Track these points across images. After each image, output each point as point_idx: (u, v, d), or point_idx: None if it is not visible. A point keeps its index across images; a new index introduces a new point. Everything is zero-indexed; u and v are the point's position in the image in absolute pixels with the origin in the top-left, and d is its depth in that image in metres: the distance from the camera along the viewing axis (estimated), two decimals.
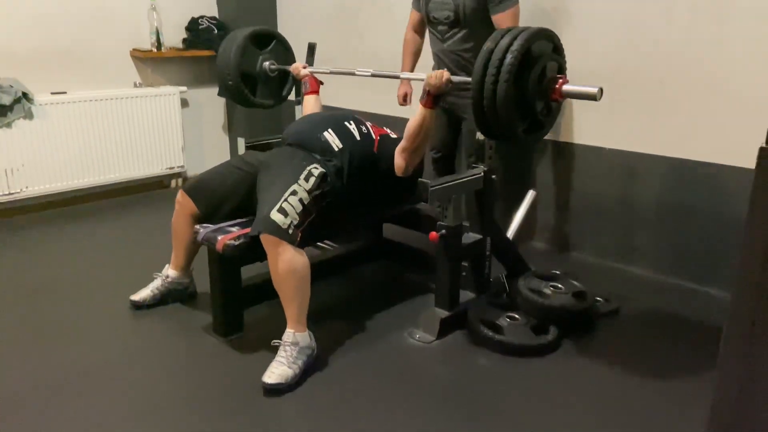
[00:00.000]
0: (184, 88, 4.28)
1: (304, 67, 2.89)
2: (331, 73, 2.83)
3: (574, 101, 3.04)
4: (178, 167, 4.35)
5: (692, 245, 2.83)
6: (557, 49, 2.08)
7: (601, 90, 1.95)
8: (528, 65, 1.95)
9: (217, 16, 4.40)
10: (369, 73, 2.64)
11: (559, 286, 2.47)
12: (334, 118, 2.51)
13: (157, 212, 3.98)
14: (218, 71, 3.00)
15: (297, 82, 3.02)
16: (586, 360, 2.26)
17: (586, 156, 3.06)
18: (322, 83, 2.90)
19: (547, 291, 2.43)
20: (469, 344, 2.35)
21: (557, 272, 2.85)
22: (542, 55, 1.99)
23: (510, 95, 1.92)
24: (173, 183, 4.44)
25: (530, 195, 2.81)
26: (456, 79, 2.27)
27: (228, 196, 2.37)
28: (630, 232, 3.02)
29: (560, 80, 2.01)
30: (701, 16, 2.62)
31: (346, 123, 2.48)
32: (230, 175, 2.40)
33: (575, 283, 2.53)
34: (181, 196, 2.41)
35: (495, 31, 2.04)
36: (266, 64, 3.00)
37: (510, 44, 1.93)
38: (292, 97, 3.24)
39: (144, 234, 3.61)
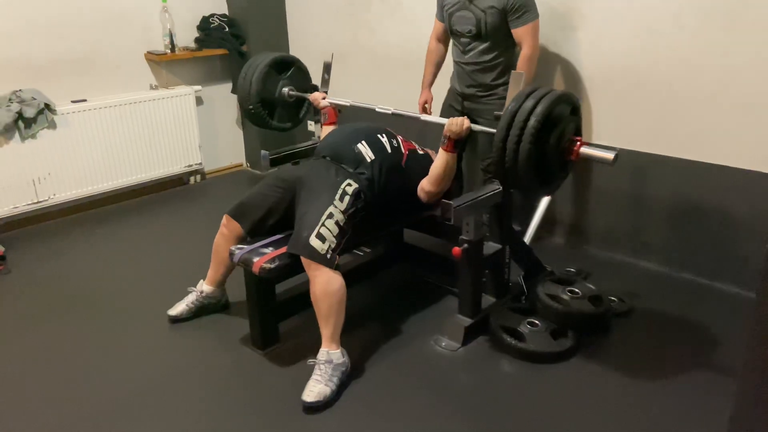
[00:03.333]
0: (198, 87, 4.35)
1: (324, 98, 2.96)
2: (351, 105, 2.89)
3: (590, 98, 3.13)
4: (196, 164, 4.46)
5: (702, 242, 2.94)
6: (575, 111, 2.18)
7: (617, 155, 2.06)
8: (549, 128, 2.06)
9: (227, 13, 4.43)
10: (390, 111, 2.71)
11: (576, 290, 2.60)
12: (368, 130, 2.62)
13: (179, 210, 4.14)
14: (238, 97, 3.10)
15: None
16: (605, 363, 2.41)
17: None
18: (341, 111, 2.97)
19: (565, 297, 2.56)
20: (493, 350, 2.49)
21: (572, 270, 2.99)
22: (562, 118, 2.10)
23: (531, 156, 2.04)
24: (192, 180, 4.55)
25: (545, 200, 2.92)
26: (476, 128, 2.37)
27: (270, 213, 2.48)
28: (641, 229, 3.14)
29: (578, 142, 2.13)
30: (710, 23, 2.68)
31: (378, 136, 2.59)
32: (271, 194, 2.50)
33: (591, 286, 2.66)
34: (226, 220, 2.53)
35: (518, 92, 2.13)
36: (285, 90, 3.08)
37: (533, 107, 2.03)
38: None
39: (169, 232, 3.80)
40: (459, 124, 2.36)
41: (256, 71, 2.99)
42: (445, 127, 2.40)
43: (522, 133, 2.03)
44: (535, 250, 2.86)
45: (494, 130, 2.14)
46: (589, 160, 3.04)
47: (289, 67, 3.12)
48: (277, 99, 3.09)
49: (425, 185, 2.55)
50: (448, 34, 3.02)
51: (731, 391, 2.17)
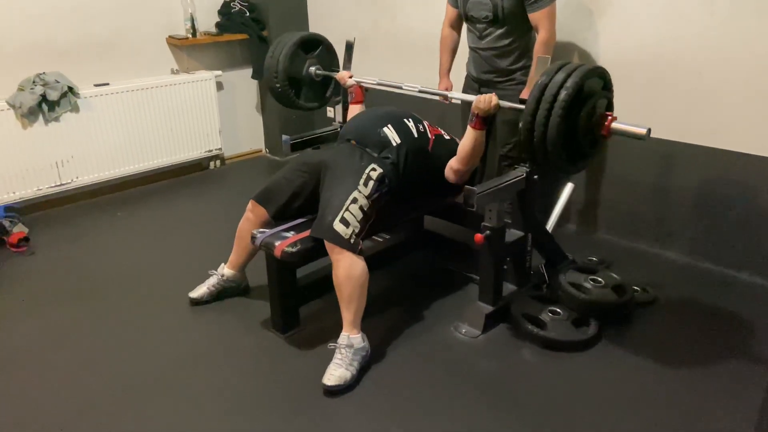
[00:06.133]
0: (219, 72, 4.36)
1: (350, 77, 2.94)
2: (378, 85, 2.87)
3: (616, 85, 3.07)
4: (216, 149, 4.47)
5: (728, 232, 2.90)
6: (607, 86, 2.14)
7: (649, 130, 2.01)
8: (580, 102, 2.02)
9: None
10: (416, 89, 2.69)
11: (599, 279, 2.57)
12: (394, 114, 2.61)
13: (199, 194, 4.16)
14: (266, 75, 3.09)
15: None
16: (627, 352, 2.38)
17: (623, 142, 3.08)
18: (367, 91, 2.95)
19: (587, 285, 2.54)
20: (513, 338, 2.48)
21: (594, 259, 2.96)
22: (594, 92, 2.05)
23: (561, 130, 2.00)
24: (212, 165, 4.56)
25: (568, 188, 2.88)
26: (504, 104, 2.33)
27: (295, 197, 2.49)
28: (665, 218, 3.10)
29: (609, 118, 2.08)
30: (741, 9, 2.62)
31: (405, 120, 2.58)
32: (295, 178, 2.50)
33: (614, 275, 2.63)
34: (252, 205, 2.53)
35: (549, 66, 2.08)
36: (312, 69, 3.08)
37: (564, 81, 1.99)
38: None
39: (190, 216, 3.82)
40: (487, 101, 2.34)
41: (283, 50, 2.99)
42: (473, 104, 2.38)
43: (552, 107, 1.99)
44: (556, 239, 2.83)
45: (523, 107, 2.11)
46: (615, 148, 2.97)
47: (316, 46, 3.11)
48: (303, 78, 3.09)
49: (453, 164, 2.54)
50: (460, 20, 2.98)
51: (757, 382, 2.15)
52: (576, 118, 2.03)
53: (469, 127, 2.43)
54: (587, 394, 2.17)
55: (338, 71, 3.07)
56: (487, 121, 2.41)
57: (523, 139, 2.11)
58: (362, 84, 2.93)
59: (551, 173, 3.14)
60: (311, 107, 3.21)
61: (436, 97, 3.20)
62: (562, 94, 1.98)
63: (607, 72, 2.15)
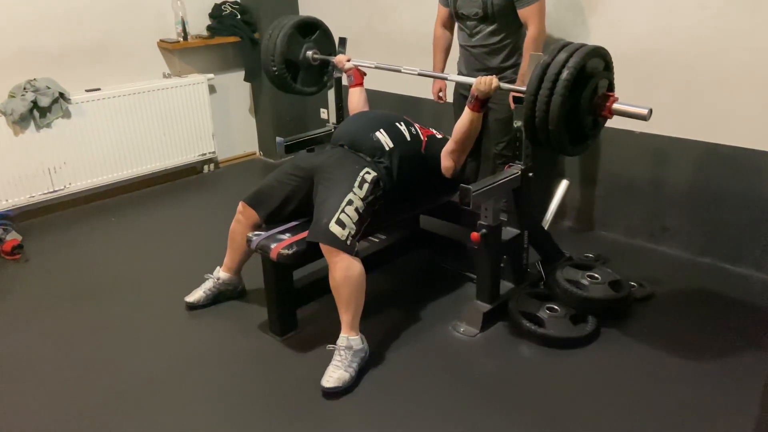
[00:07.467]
0: (211, 75, 4.34)
1: (348, 60, 2.93)
2: (376, 67, 2.87)
3: None
4: (210, 153, 4.45)
5: (723, 226, 2.90)
6: (608, 67, 2.13)
7: (651, 111, 2.00)
8: (582, 82, 2.01)
9: (239, 0, 4.40)
10: (416, 72, 2.68)
11: (596, 276, 2.57)
12: (385, 118, 2.60)
13: (194, 198, 4.16)
14: (262, 58, 3.06)
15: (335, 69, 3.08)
16: (625, 348, 2.39)
17: (617, 139, 3.10)
18: (365, 74, 2.95)
19: (585, 282, 2.54)
20: (512, 336, 2.47)
21: (591, 255, 2.97)
22: (595, 72, 2.04)
23: (563, 110, 1.99)
24: (206, 168, 4.54)
25: (563, 185, 2.88)
26: (505, 86, 2.33)
27: (287, 201, 2.47)
28: (660, 213, 3.10)
29: (611, 98, 2.07)
30: (733, 3, 2.62)
31: (396, 124, 2.57)
32: (288, 182, 2.49)
33: (610, 271, 2.63)
34: (242, 207, 2.52)
35: (552, 46, 2.08)
36: (309, 53, 3.05)
37: (566, 60, 1.98)
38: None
39: (185, 220, 3.81)
40: (487, 82, 2.32)
41: (280, 32, 2.96)
42: (473, 85, 2.37)
43: (554, 87, 1.98)
44: (552, 236, 2.83)
45: (524, 88, 2.10)
46: (609, 143, 2.98)
47: (313, 30, 3.08)
48: (301, 62, 3.06)
49: (449, 146, 2.53)
50: (452, 19, 2.98)
51: (756, 376, 2.16)
52: (578, 99, 2.03)
53: (467, 108, 2.42)
54: (586, 391, 2.17)
55: (336, 55, 3.06)
56: (486, 103, 2.41)
57: (525, 120, 2.10)
58: (360, 67, 2.92)
59: (545, 171, 3.17)
60: (309, 92, 3.18)
61: (431, 96, 3.24)
62: (564, 73, 1.97)
63: (608, 52, 2.14)
